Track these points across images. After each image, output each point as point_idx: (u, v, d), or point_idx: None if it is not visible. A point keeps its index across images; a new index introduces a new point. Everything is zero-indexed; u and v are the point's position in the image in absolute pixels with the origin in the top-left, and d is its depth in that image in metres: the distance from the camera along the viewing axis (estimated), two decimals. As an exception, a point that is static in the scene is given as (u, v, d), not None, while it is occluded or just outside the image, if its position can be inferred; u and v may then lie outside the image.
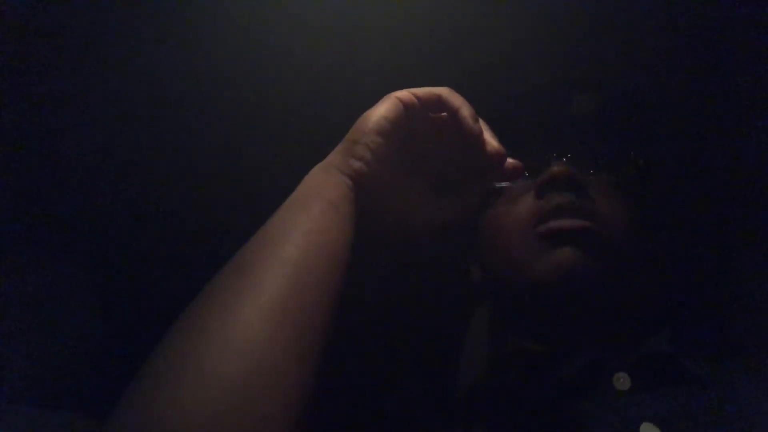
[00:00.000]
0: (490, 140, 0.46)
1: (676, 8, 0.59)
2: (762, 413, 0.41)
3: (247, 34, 0.62)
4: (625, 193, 0.53)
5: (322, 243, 0.39)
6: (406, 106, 0.44)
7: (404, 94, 0.45)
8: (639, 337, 0.49)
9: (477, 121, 0.45)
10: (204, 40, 0.63)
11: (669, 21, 0.60)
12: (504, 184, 0.52)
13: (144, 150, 0.70)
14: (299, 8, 0.61)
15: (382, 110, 0.44)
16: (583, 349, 0.48)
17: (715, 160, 0.67)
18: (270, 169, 0.67)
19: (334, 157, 0.45)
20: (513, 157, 0.49)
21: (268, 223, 0.41)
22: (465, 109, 0.45)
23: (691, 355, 0.47)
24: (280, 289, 0.35)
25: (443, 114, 0.47)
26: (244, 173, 0.71)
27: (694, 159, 0.67)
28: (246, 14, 0.61)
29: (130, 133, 0.70)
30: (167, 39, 0.62)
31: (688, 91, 0.64)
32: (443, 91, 0.46)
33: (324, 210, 0.41)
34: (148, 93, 0.66)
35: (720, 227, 0.66)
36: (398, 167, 0.46)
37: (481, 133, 0.45)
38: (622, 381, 0.45)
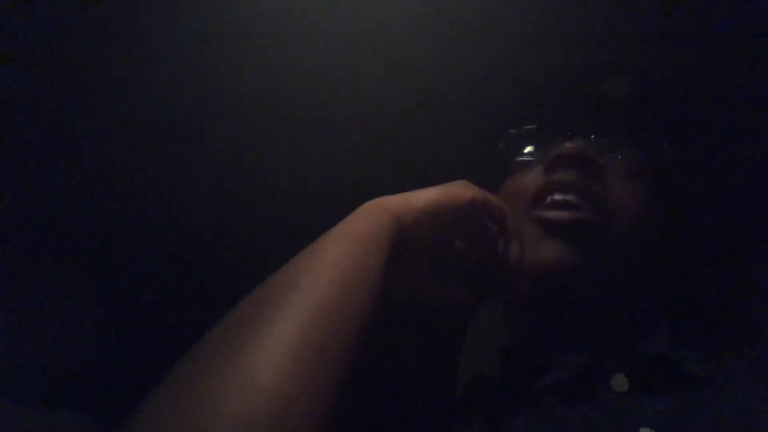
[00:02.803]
0: None
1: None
2: (762, 414, 0.40)
3: (250, 38, 0.62)
4: (647, 183, 0.50)
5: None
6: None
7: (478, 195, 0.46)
8: (637, 336, 0.48)
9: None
10: (208, 42, 0.63)
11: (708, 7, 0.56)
12: (525, 158, 0.52)
13: (145, 152, 0.71)
14: (300, 9, 0.61)
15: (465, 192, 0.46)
16: (579, 350, 0.47)
17: (720, 154, 0.65)
18: (272, 172, 0.67)
19: (395, 199, 0.44)
20: (535, 130, 0.52)
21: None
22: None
23: (690, 353, 0.46)
24: (302, 329, 0.32)
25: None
26: (245, 175, 0.71)
27: (706, 152, 0.65)
28: (248, 16, 0.61)
29: (132, 136, 0.70)
30: (170, 42, 0.62)
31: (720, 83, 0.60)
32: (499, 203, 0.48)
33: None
34: (151, 97, 0.66)
35: (722, 223, 0.66)
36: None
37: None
38: (620, 383, 0.44)
